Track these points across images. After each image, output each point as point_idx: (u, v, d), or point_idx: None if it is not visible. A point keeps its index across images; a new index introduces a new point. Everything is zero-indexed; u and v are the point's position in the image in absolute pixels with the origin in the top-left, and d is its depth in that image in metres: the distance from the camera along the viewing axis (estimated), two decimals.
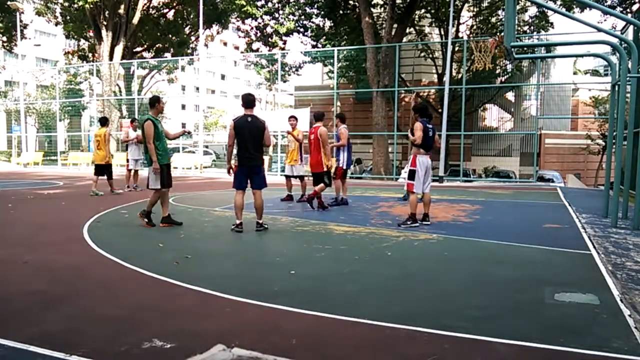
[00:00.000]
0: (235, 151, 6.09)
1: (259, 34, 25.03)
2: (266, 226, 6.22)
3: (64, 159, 23.20)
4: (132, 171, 11.46)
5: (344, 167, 8.92)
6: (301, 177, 9.73)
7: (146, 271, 4.11)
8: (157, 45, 29.23)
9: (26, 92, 33.62)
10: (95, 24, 23.79)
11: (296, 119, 9.58)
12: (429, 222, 6.62)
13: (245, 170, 5.99)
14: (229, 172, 6.28)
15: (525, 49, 18.48)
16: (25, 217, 7.23)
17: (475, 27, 24.54)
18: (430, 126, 6.50)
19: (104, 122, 10.52)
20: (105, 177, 10.35)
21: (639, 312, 3.13)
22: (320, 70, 35.26)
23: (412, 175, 6.49)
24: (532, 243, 5.41)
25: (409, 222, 6.47)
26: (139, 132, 10.91)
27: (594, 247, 5.17)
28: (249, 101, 6.02)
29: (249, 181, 6.08)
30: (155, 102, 6.42)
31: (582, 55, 23.22)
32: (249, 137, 5.90)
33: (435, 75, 25.17)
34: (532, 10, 23.14)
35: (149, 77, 33.57)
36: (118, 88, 26.05)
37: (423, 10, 23.65)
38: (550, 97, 25.08)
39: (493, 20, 24.14)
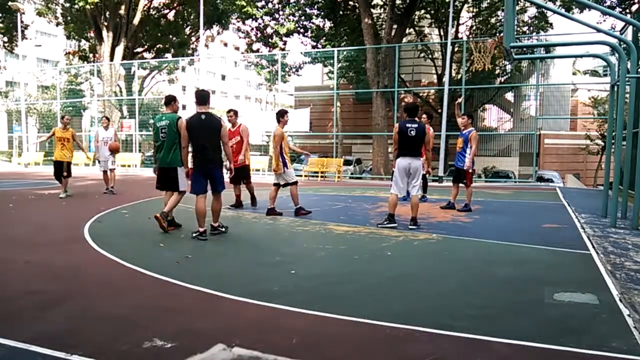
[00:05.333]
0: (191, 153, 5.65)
1: (259, 35, 25.08)
2: (223, 229, 5.85)
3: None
4: (106, 172, 10.62)
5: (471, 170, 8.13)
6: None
7: (146, 271, 4.11)
8: (157, 46, 29.27)
9: (27, 93, 33.63)
10: (96, 25, 23.82)
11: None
12: (414, 226, 6.31)
13: (203, 172, 5.54)
14: (187, 175, 5.83)
15: (524, 49, 18.50)
16: (26, 217, 7.24)
17: (474, 27, 24.60)
18: (410, 126, 6.34)
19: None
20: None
21: (638, 311, 3.14)
22: (320, 70, 35.32)
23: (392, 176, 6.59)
24: (531, 243, 5.42)
25: (385, 222, 6.44)
26: (109, 132, 10.59)
27: (593, 247, 5.18)
28: (202, 97, 5.53)
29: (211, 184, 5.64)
30: (172, 101, 6.22)
31: (581, 56, 23.25)
32: (204, 136, 5.44)
33: (435, 76, 25.20)
34: (532, 11, 23.19)
35: (149, 77, 33.59)
36: (119, 88, 26.07)
37: (423, 11, 23.70)
38: (549, 97, 25.09)
39: (492, 20, 24.18)
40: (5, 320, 2.99)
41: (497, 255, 4.96)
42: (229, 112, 7.97)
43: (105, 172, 10.65)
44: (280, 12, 24.36)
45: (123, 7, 23.63)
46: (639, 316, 3.05)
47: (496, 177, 20.01)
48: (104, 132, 10.67)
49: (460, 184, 8.31)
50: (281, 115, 7.33)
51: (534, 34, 23.37)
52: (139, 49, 28.37)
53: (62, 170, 9.62)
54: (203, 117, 5.48)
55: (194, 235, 5.63)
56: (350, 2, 22.79)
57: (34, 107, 33.48)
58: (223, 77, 62.79)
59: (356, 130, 25.77)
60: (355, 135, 26.04)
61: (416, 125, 6.37)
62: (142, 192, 11.10)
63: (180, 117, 6.02)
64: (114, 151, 10.69)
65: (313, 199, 8.50)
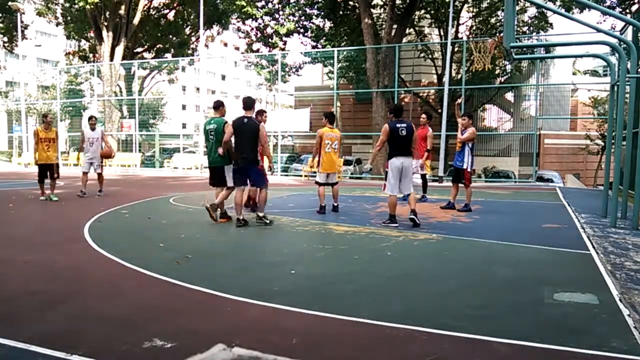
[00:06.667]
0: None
1: (259, 35, 25.07)
2: (268, 221, 6.52)
3: (65, 158, 23.20)
4: (85, 174, 10.11)
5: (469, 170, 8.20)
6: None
7: (146, 271, 4.11)
8: (157, 46, 29.27)
9: (27, 93, 33.66)
10: (96, 25, 23.81)
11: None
12: (413, 216, 6.41)
13: (241, 169, 6.45)
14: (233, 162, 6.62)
15: (524, 49, 18.50)
16: (25, 217, 7.24)
17: (474, 27, 24.59)
18: (400, 125, 6.45)
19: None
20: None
21: (638, 311, 3.14)
22: (320, 70, 35.31)
23: (386, 176, 6.77)
24: (531, 243, 5.42)
25: (387, 222, 6.58)
26: (95, 132, 10.01)
27: (593, 247, 5.18)
28: (247, 103, 6.45)
29: (248, 180, 6.65)
30: (220, 106, 6.83)
31: (581, 56, 23.23)
32: (243, 137, 6.34)
33: (435, 76, 25.19)
34: (532, 11, 23.18)
35: (149, 77, 33.60)
36: (119, 88, 26.07)
37: (423, 11, 23.69)
38: (549, 97, 25.10)
39: (492, 20, 24.17)
40: (5, 320, 2.99)
41: (497, 255, 4.96)
42: (262, 112, 7.86)
43: (84, 173, 10.04)
44: (280, 12, 24.34)
45: (123, 7, 23.62)
46: (639, 316, 3.06)
47: (496, 177, 20.01)
48: (90, 132, 10.00)
49: (460, 184, 8.33)
50: (335, 118, 7.97)
51: (534, 34, 23.36)
52: (139, 49, 28.37)
53: (46, 173, 9.15)
54: (245, 120, 6.35)
55: (237, 226, 6.37)
56: (350, 2, 22.78)
57: (34, 107, 33.51)
58: (223, 77, 62.76)
59: (356, 130, 25.75)
60: (355, 135, 26.04)
61: (405, 125, 6.52)
62: (142, 192, 11.10)
63: (227, 122, 6.65)
64: (105, 157, 10.19)
65: (313, 199, 8.50)
